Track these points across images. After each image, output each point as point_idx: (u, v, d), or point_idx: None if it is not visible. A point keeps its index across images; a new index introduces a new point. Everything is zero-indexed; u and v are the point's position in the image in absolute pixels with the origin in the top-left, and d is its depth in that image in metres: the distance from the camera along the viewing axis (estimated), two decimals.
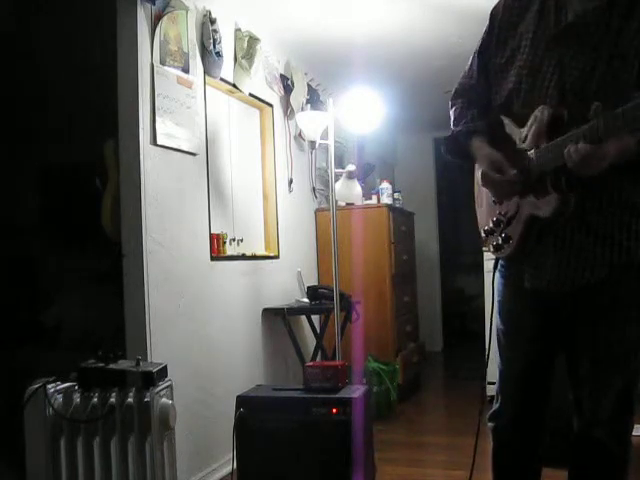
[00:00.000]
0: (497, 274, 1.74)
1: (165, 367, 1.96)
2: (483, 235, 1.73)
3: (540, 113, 1.48)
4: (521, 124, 1.56)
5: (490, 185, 1.61)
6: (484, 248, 1.81)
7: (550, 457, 1.82)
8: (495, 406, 1.74)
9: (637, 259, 1.51)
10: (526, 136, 1.53)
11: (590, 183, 1.45)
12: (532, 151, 1.51)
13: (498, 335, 1.73)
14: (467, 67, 1.77)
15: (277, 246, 3.93)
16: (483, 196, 1.76)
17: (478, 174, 1.79)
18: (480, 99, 1.72)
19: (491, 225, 1.67)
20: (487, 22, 1.70)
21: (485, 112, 1.70)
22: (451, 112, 1.79)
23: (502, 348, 1.73)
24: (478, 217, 1.79)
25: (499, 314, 1.73)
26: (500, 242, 1.64)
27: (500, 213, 1.64)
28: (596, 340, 1.55)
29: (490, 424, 1.75)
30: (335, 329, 3.50)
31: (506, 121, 1.63)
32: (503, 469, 1.76)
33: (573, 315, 1.58)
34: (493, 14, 1.68)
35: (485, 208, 1.74)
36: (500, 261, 1.72)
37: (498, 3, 1.68)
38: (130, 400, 1.88)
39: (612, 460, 1.57)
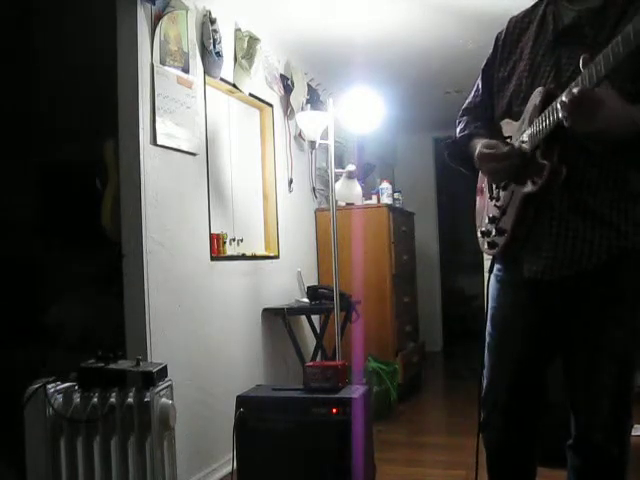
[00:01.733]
0: (492, 279, 1.72)
1: (165, 367, 1.97)
2: (479, 236, 1.73)
3: (536, 94, 1.52)
4: (519, 119, 1.59)
5: (484, 163, 1.60)
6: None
7: (547, 457, 1.82)
8: (482, 417, 1.72)
9: (636, 245, 1.51)
10: (522, 120, 1.56)
11: (587, 161, 1.47)
12: (527, 131, 1.52)
13: (488, 342, 1.72)
14: (474, 88, 1.83)
15: (277, 246, 3.93)
16: (482, 200, 1.77)
17: (480, 177, 1.81)
18: (485, 114, 1.77)
19: (487, 222, 1.67)
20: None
21: (488, 125, 1.74)
22: (457, 129, 1.84)
23: (491, 356, 1.71)
24: (477, 224, 1.78)
25: (491, 320, 1.72)
26: (494, 235, 1.63)
27: (496, 206, 1.64)
28: (594, 338, 1.54)
29: (481, 434, 1.73)
30: (335, 329, 3.50)
31: (505, 121, 1.66)
32: (498, 477, 1.75)
33: (570, 309, 1.57)
34: (497, 37, 1.76)
35: (483, 210, 1.74)
36: (496, 265, 1.72)
37: (503, 29, 1.76)
38: (130, 400, 1.88)
39: (611, 463, 1.56)
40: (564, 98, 1.31)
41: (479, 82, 1.80)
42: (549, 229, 1.53)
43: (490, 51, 1.77)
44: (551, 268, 1.53)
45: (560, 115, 1.34)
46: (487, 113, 1.76)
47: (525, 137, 1.53)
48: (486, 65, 1.78)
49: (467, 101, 1.85)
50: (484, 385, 1.72)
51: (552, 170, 1.45)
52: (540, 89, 1.52)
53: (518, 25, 1.71)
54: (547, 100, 1.47)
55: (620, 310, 1.54)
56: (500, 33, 1.76)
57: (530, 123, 1.51)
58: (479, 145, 1.62)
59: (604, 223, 1.50)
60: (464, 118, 1.82)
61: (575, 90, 1.29)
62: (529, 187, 1.50)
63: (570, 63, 1.53)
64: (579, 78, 1.31)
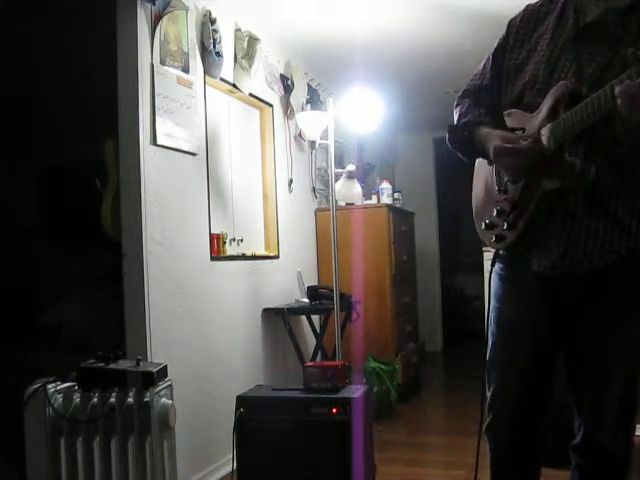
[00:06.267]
0: (495, 278, 1.70)
1: (165, 367, 1.96)
2: (483, 229, 1.69)
3: (558, 88, 1.48)
4: (532, 111, 1.56)
5: (503, 157, 1.56)
6: (483, 248, 1.78)
7: (550, 457, 1.82)
8: (489, 418, 1.70)
9: None
10: (539, 113, 1.52)
11: (604, 161, 1.46)
12: (548, 126, 1.48)
13: (493, 343, 1.70)
14: (479, 69, 1.77)
15: (277, 246, 3.93)
16: (482, 189, 1.74)
17: (477, 166, 1.78)
18: (488, 99, 1.72)
19: (494, 215, 1.63)
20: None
21: (491, 112, 1.70)
22: (456, 110, 1.78)
23: (498, 356, 1.69)
24: (475, 213, 1.76)
25: (496, 320, 1.69)
26: (504, 229, 1.60)
27: (506, 199, 1.61)
28: (601, 337, 1.53)
29: (486, 435, 1.72)
30: (335, 329, 3.50)
31: (513, 111, 1.62)
32: (503, 478, 1.75)
33: (577, 307, 1.55)
34: (510, 23, 1.71)
35: (485, 201, 1.71)
36: (498, 263, 1.69)
37: (517, 14, 1.72)
38: (130, 400, 1.87)
39: (617, 464, 1.56)
40: (627, 86, 1.28)
41: (487, 65, 1.74)
42: (562, 225, 1.51)
43: (502, 35, 1.71)
44: (561, 264, 1.52)
45: (619, 103, 1.30)
46: (491, 98, 1.71)
47: (546, 132, 1.49)
48: (496, 50, 1.72)
49: (469, 83, 1.78)
50: (492, 387, 1.70)
51: (582, 170, 1.43)
52: (565, 83, 1.48)
53: (534, 14, 1.67)
54: (573, 96, 1.44)
55: (628, 310, 1.53)
56: (514, 19, 1.71)
57: (552, 118, 1.47)
58: (496, 138, 1.57)
59: (617, 223, 1.49)
60: (465, 100, 1.76)
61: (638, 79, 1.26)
62: (552, 184, 1.48)
63: (592, 59, 1.51)
64: (633, 69, 1.28)
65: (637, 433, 1.65)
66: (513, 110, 1.62)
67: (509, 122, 1.63)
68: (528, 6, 1.70)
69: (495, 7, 3.37)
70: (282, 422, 2.48)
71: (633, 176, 1.49)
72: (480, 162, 1.75)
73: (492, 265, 1.70)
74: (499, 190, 1.64)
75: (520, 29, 1.68)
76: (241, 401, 2.54)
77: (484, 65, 1.75)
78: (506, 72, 1.68)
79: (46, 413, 1.89)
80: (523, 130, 1.56)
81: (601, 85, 1.36)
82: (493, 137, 1.58)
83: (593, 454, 1.58)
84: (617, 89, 1.29)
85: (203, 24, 3.09)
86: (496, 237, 1.63)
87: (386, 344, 4.39)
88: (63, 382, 1.95)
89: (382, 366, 4.13)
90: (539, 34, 1.63)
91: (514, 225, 1.58)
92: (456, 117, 1.77)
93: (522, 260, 1.59)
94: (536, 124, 1.52)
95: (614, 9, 1.50)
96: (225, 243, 3.32)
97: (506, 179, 1.62)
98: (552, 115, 1.48)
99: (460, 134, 1.74)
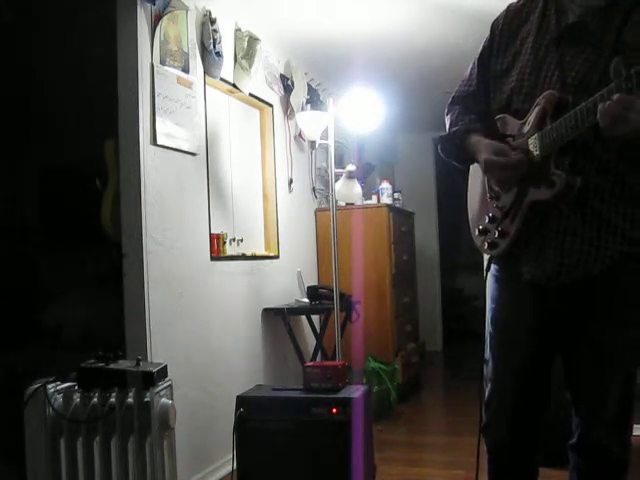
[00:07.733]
0: (490, 279, 1.70)
1: (165, 367, 1.96)
2: (477, 234, 1.70)
3: (545, 98, 1.49)
4: (521, 117, 1.56)
5: (493, 170, 1.58)
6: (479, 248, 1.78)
7: (549, 457, 1.82)
8: (485, 418, 1.71)
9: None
10: (528, 122, 1.53)
11: (593, 167, 1.46)
12: (535, 136, 1.49)
13: (490, 343, 1.70)
14: (466, 75, 1.77)
15: (277, 246, 3.93)
16: (476, 194, 1.75)
17: (472, 170, 1.79)
18: (477, 106, 1.72)
19: (486, 221, 1.64)
20: (488, 30, 1.73)
21: (482, 118, 1.70)
22: (447, 117, 1.79)
23: (494, 357, 1.70)
24: (470, 217, 1.77)
25: (492, 322, 1.70)
26: (496, 237, 1.61)
27: (497, 207, 1.62)
28: (598, 339, 1.54)
29: (483, 436, 1.72)
30: (335, 329, 3.50)
31: (503, 117, 1.62)
32: (500, 478, 1.75)
33: (574, 311, 1.56)
34: (494, 25, 1.71)
35: (479, 206, 1.72)
36: (494, 265, 1.69)
37: (499, 15, 1.71)
38: (130, 400, 1.88)
39: (614, 463, 1.57)
40: (607, 105, 1.29)
41: (473, 71, 1.74)
42: (555, 234, 1.52)
43: (486, 38, 1.71)
44: (558, 273, 1.52)
45: (600, 121, 1.31)
46: (480, 104, 1.71)
47: (533, 142, 1.50)
48: (481, 55, 1.72)
49: (457, 89, 1.78)
50: (488, 387, 1.70)
51: (567, 183, 1.44)
52: (552, 93, 1.48)
53: (517, 15, 1.66)
54: (559, 107, 1.45)
55: (622, 313, 1.53)
56: (497, 21, 1.70)
57: (539, 128, 1.48)
58: (484, 150, 1.58)
59: (610, 228, 1.49)
60: (456, 107, 1.76)
61: (621, 99, 1.27)
62: (540, 195, 1.49)
63: (574, 62, 1.50)
64: (613, 85, 1.28)
65: (635, 433, 1.65)
66: (504, 115, 1.63)
67: (501, 128, 1.63)
68: (510, 6, 1.70)
69: (495, 7, 3.35)
70: (282, 422, 2.48)
71: (624, 180, 1.49)
72: (475, 167, 1.76)
73: (487, 269, 1.71)
74: (490, 197, 1.65)
75: (503, 31, 1.67)
76: (241, 401, 2.54)
77: (470, 71, 1.75)
78: (492, 76, 1.68)
79: (46, 413, 1.89)
80: (514, 137, 1.57)
81: (585, 90, 1.37)
82: (483, 147, 1.60)
83: (591, 453, 1.58)
84: (599, 107, 1.30)
85: (203, 24, 3.09)
86: (489, 244, 1.65)
87: (386, 344, 4.39)
88: (63, 382, 1.95)
89: (382, 366, 4.13)
90: (523, 36, 1.63)
91: (506, 233, 1.59)
92: (447, 125, 1.78)
93: (515, 265, 1.60)
94: (524, 133, 1.53)
95: (594, 7, 1.50)
96: (225, 243, 3.32)
97: (496, 186, 1.63)
98: (539, 125, 1.49)
99: (451, 143, 1.75)
